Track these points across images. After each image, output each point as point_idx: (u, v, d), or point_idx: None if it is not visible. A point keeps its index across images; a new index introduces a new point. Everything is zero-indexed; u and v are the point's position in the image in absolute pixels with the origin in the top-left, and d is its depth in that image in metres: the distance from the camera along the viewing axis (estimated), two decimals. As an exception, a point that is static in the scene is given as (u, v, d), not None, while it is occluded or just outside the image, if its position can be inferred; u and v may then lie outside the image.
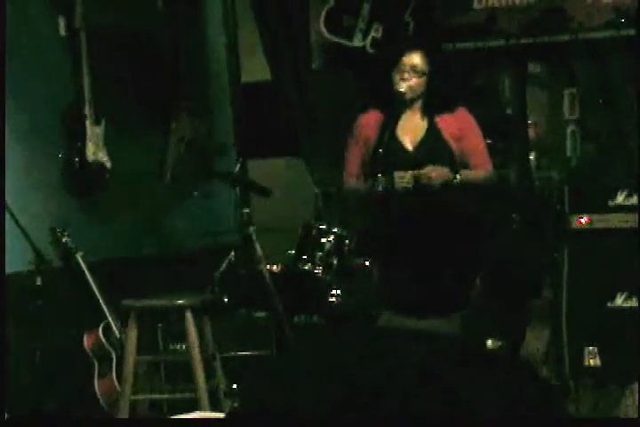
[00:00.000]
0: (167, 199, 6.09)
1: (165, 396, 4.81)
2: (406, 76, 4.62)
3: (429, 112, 4.72)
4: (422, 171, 4.56)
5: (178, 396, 4.73)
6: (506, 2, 5.89)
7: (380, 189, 4.52)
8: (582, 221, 4.79)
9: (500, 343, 5.09)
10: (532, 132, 6.38)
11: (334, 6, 6.17)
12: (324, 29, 6.19)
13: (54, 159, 5.09)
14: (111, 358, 4.83)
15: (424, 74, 4.63)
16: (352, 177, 4.83)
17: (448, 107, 4.75)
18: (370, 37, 6.13)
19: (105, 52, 5.36)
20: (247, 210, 5.08)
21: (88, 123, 5.12)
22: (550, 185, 5.96)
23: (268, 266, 4.90)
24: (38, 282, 4.71)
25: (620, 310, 4.76)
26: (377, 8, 6.11)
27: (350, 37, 6.16)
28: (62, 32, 5.16)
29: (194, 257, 5.83)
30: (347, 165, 4.86)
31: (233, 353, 4.98)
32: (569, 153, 6.34)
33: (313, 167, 6.32)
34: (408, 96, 4.63)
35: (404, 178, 4.54)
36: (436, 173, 4.57)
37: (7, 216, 4.60)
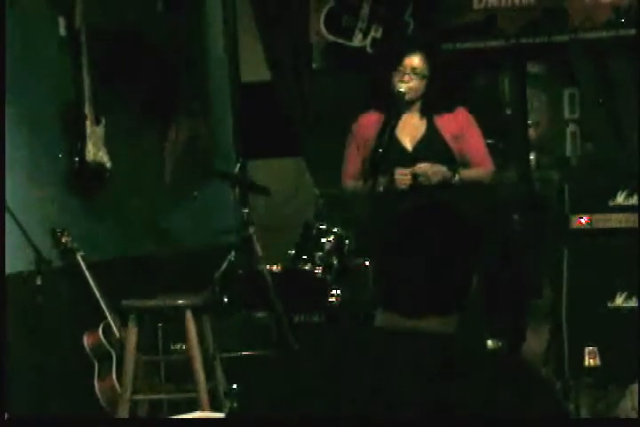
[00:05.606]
0: (167, 199, 6.08)
1: (165, 396, 4.81)
2: (406, 77, 4.62)
3: (429, 112, 4.73)
4: (418, 167, 4.57)
5: (178, 396, 4.73)
6: (506, 2, 5.89)
7: (380, 189, 4.53)
8: (582, 221, 4.79)
9: (500, 343, 5.10)
10: (532, 132, 6.39)
11: (334, 6, 6.18)
12: (324, 29, 6.19)
13: (54, 159, 5.09)
14: (111, 358, 4.82)
15: (424, 76, 4.63)
16: (351, 177, 4.83)
17: (447, 107, 4.75)
18: (370, 37, 6.13)
19: (105, 52, 5.35)
20: (247, 210, 5.08)
21: (88, 123, 5.12)
22: (550, 185, 5.96)
23: (268, 266, 4.90)
24: (38, 282, 4.71)
25: (620, 310, 4.76)
26: (377, 8, 6.11)
27: (350, 37, 6.16)
28: (62, 32, 5.15)
29: (194, 257, 5.82)
30: (346, 166, 4.87)
31: (233, 353, 4.98)
32: (569, 153, 6.35)
33: (313, 167, 6.32)
34: (408, 97, 4.64)
35: (404, 175, 4.54)
36: (432, 170, 4.58)
37: (7, 216, 4.60)
